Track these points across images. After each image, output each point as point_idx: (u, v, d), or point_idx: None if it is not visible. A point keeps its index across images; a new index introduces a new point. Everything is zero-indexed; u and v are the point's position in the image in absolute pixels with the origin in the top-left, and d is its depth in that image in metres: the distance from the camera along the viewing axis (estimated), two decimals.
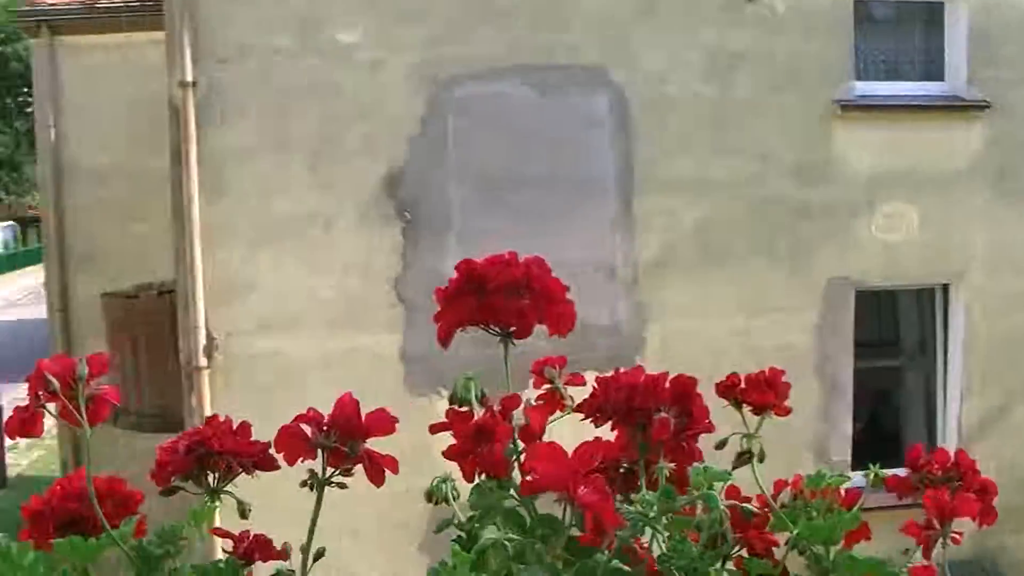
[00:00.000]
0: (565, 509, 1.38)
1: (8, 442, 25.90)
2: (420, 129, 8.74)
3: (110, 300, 9.34)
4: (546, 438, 1.54)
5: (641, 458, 1.57)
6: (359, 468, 1.47)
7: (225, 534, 1.59)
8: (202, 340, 8.38)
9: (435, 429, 1.57)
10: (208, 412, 8.38)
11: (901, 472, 1.74)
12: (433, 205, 8.78)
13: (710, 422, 1.56)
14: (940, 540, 1.60)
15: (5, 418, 1.52)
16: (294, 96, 8.64)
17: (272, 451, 1.50)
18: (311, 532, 1.49)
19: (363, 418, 1.47)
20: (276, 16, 8.64)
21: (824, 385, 9.33)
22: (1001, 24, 9.62)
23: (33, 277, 56.74)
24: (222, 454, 1.51)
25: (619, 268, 9.04)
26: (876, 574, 1.50)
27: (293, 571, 1.53)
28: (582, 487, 1.36)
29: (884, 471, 1.75)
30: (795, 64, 9.21)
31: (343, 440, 1.45)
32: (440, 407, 1.69)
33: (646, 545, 1.50)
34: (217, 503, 1.53)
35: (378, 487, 1.48)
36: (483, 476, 1.52)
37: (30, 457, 27.37)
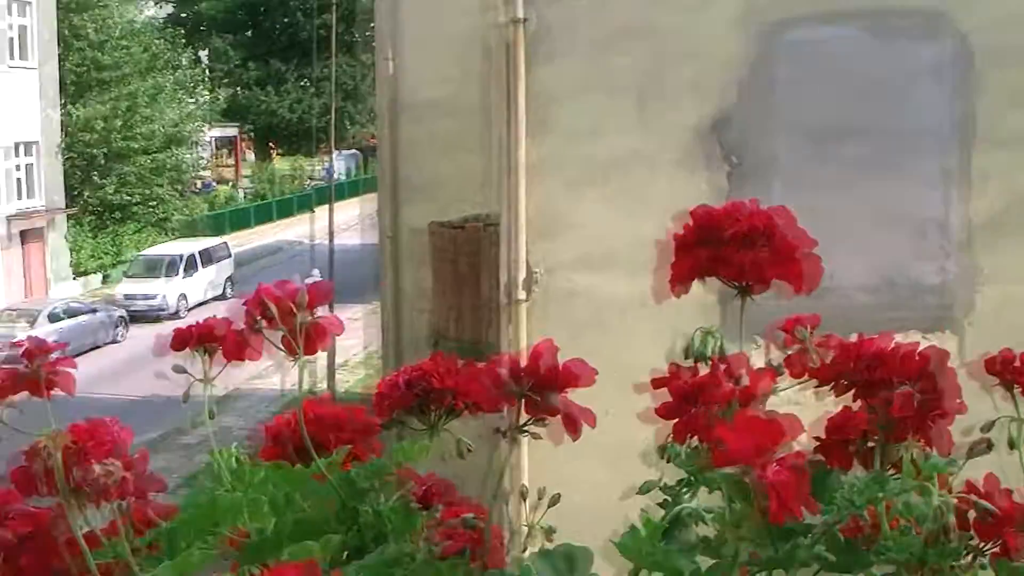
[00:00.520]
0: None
1: (339, 360, 27.41)
2: (748, 72, 8.54)
3: (436, 229, 9.63)
4: (788, 407, 1.42)
5: (881, 436, 1.44)
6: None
7: (410, 474, 1.56)
8: (522, 274, 8.54)
9: (656, 384, 1.50)
10: (524, 345, 8.55)
11: None
12: (758, 150, 8.58)
13: (962, 402, 1.41)
14: None
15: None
16: (622, 35, 8.61)
17: None
18: (499, 480, 1.46)
19: (561, 367, 1.40)
20: None
21: None
22: None
23: (372, 203, 59.36)
24: (443, 391, 1.49)
25: (951, 225, 8.60)
26: None
27: (478, 520, 1.49)
28: (772, 465, 1.25)
29: None
30: None
31: (538, 389, 1.40)
32: (756, 357, 1.62)
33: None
34: (431, 441, 1.50)
35: (574, 440, 1.41)
36: (693, 439, 1.45)
37: (357, 375, 28.87)
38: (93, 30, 43.01)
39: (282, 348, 1.51)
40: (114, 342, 33.90)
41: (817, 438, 1.49)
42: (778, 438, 1.30)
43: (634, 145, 8.65)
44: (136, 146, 42.85)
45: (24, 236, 38.47)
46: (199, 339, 1.58)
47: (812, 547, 1.35)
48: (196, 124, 49.31)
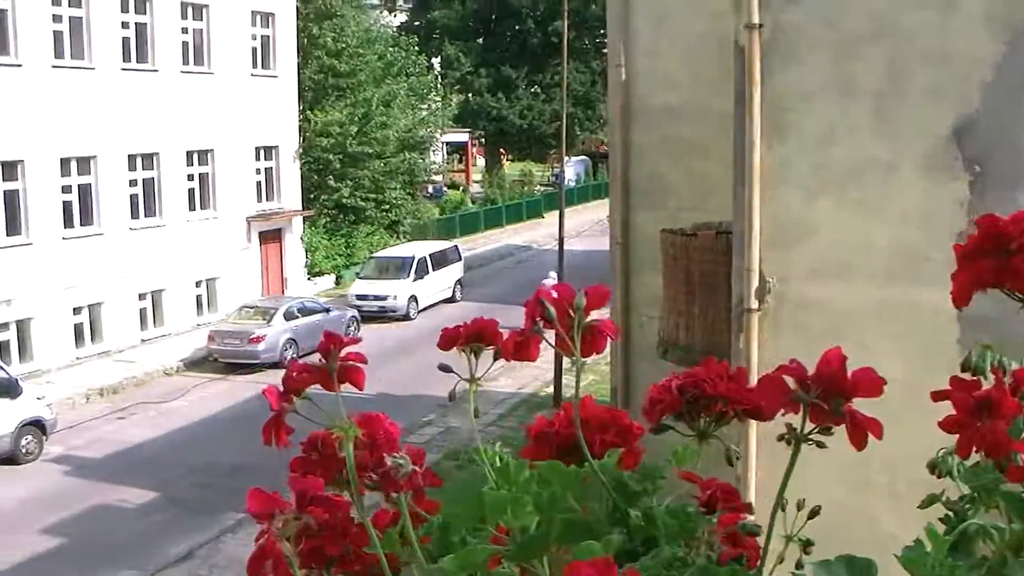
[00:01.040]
0: None
1: (565, 365, 27.58)
2: (995, 76, 8.22)
3: (668, 236, 9.60)
4: None
5: None
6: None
7: (692, 478, 1.57)
8: (754, 282, 8.43)
9: (936, 397, 1.46)
10: (755, 355, 8.44)
11: None
12: (1005, 158, 8.25)
13: None
14: None
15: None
16: (861, 38, 8.41)
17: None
18: (782, 489, 1.44)
19: (849, 376, 1.39)
20: None
21: None
22: None
23: (600, 210, 59.75)
24: (715, 398, 1.48)
25: None
26: None
27: (759, 526, 1.49)
28: None
29: None
30: None
31: (826, 396, 1.38)
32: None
33: None
34: (703, 446, 1.51)
35: (859, 450, 1.39)
36: (980, 454, 1.41)
37: (585, 380, 28.99)
38: (331, 39, 44.50)
39: (560, 350, 1.54)
40: None
41: None
42: None
43: (872, 152, 8.44)
44: (370, 151, 44.09)
45: (263, 237, 40.09)
46: (467, 339, 1.62)
47: None
48: (428, 130, 50.39)
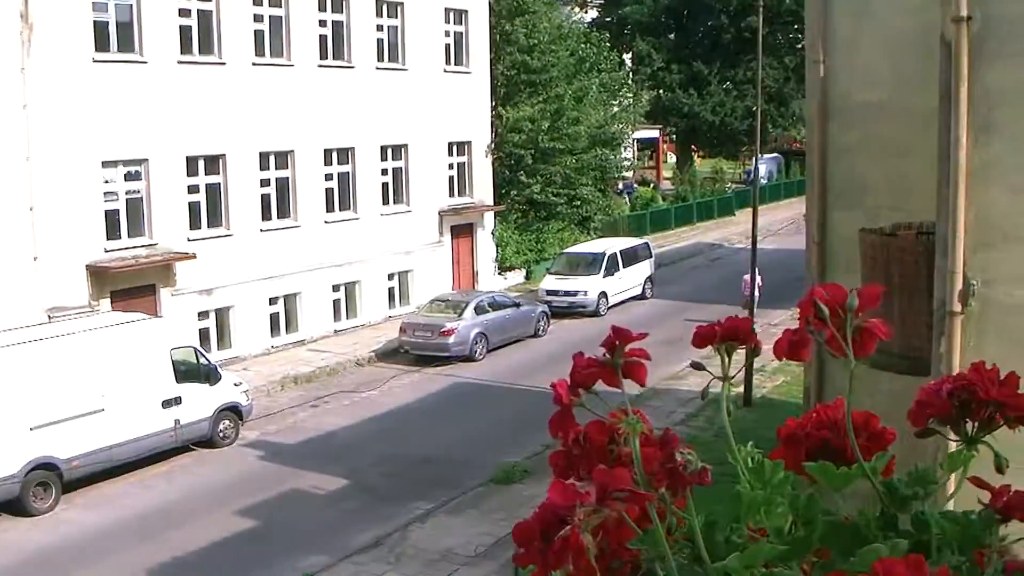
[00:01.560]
0: None
1: (756, 365, 27.18)
2: None
3: (867, 236, 9.32)
4: None
5: None
6: None
7: (984, 485, 1.52)
8: (958, 284, 8.13)
9: None
10: (957, 359, 8.14)
11: None
12: None
13: None
14: None
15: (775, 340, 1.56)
16: None
17: None
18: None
19: None
20: None
21: None
22: None
23: (792, 208, 58.84)
24: (986, 403, 1.47)
25: None
26: None
27: None
28: None
29: None
30: None
31: None
32: None
33: None
34: (974, 453, 1.49)
35: None
36: None
37: (775, 381, 28.58)
38: (523, 35, 44.77)
39: (830, 350, 1.52)
40: (536, 336, 35.07)
41: None
42: None
43: None
44: (562, 147, 44.18)
45: (455, 231, 40.62)
46: (723, 337, 1.59)
47: None
48: (620, 126, 50.24)
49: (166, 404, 23.88)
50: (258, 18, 32.65)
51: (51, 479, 21.78)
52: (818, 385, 11.64)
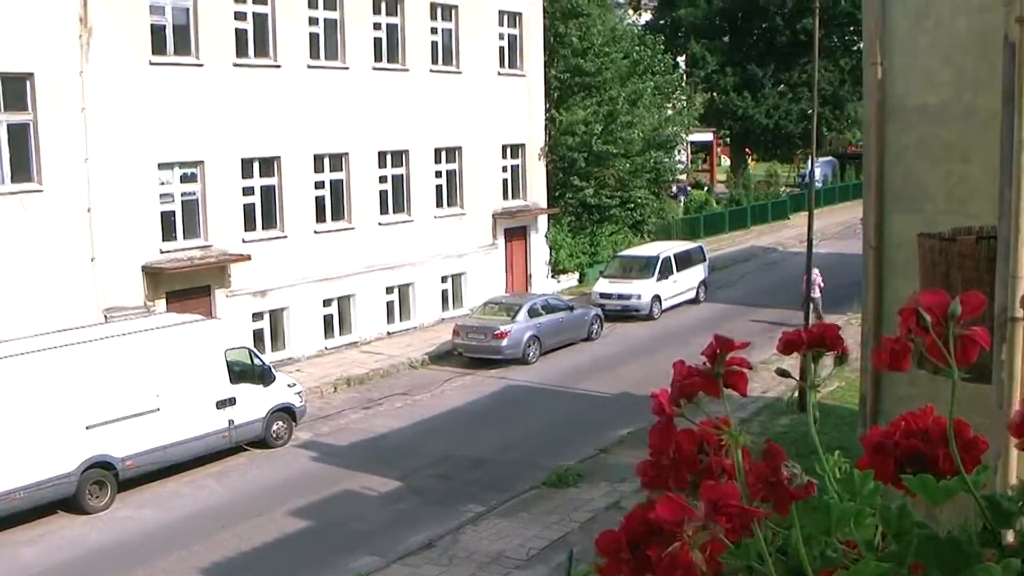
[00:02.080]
0: None
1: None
2: None
3: (926, 241, 9.18)
4: None
5: None
6: None
7: None
8: (1020, 290, 8.00)
9: None
10: (1018, 366, 8.00)
11: None
12: None
13: None
14: None
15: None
16: None
17: None
18: None
19: None
20: None
21: None
22: None
23: (847, 212, 58.40)
24: None
25: None
26: None
27: None
28: None
29: None
30: None
31: None
32: None
33: None
34: None
35: None
36: None
37: (829, 387, 28.31)
38: (577, 38, 44.72)
39: (933, 360, 1.48)
40: (589, 339, 34.99)
41: None
42: None
43: None
44: (615, 150, 44.04)
45: (508, 233, 40.62)
46: (810, 343, 1.55)
47: None
48: (674, 129, 50.03)
49: (220, 405, 24.04)
50: (313, 21, 32.82)
51: (107, 478, 22.00)
52: (874, 392, 11.51)
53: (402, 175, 36.29)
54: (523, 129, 41.00)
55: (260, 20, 31.27)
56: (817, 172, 61.39)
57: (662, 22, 70.26)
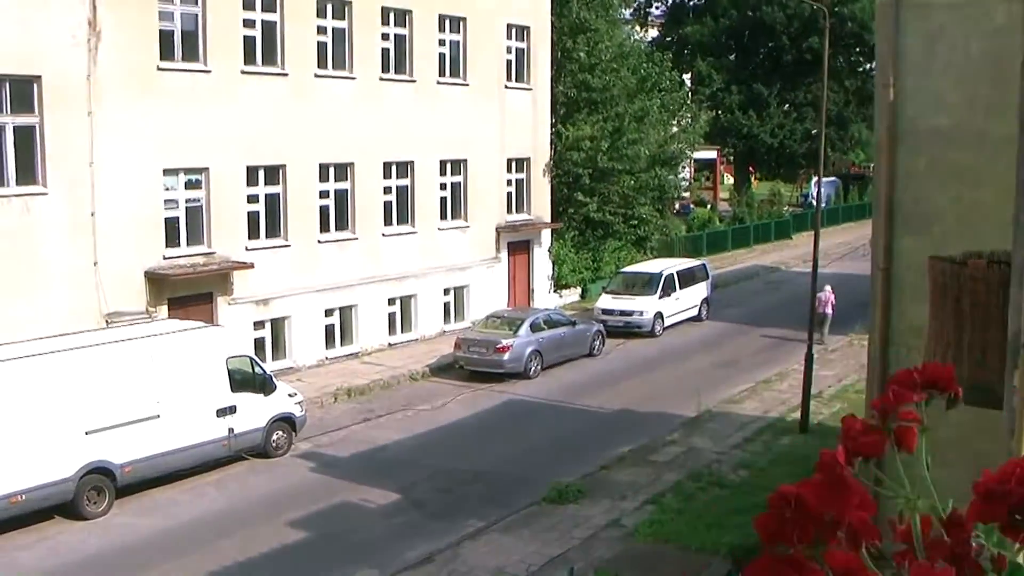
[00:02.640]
0: None
1: (813, 391, 26.91)
2: None
3: (937, 264, 9.14)
4: None
5: None
6: None
7: None
8: None
9: None
10: None
11: None
12: None
13: None
14: None
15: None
16: None
17: None
18: None
19: None
20: None
21: None
22: None
23: (850, 233, 58.35)
24: None
25: None
26: None
27: None
28: None
29: None
30: None
31: None
32: None
33: None
34: None
35: None
36: None
37: (832, 408, 28.23)
38: (585, 53, 44.68)
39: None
40: (591, 355, 34.90)
41: None
42: None
43: None
44: (620, 166, 43.98)
45: (511, 247, 40.56)
46: (925, 384, 1.49)
47: None
48: (679, 146, 49.97)
49: (221, 413, 23.96)
50: (321, 30, 32.83)
51: (105, 484, 21.90)
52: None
53: (407, 186, 36.25)
54: (528, 143, 40.97)
55: (268, 28, 31.26)
56: (820, 192, 61.42)
57: (669, 39, 70.27)
